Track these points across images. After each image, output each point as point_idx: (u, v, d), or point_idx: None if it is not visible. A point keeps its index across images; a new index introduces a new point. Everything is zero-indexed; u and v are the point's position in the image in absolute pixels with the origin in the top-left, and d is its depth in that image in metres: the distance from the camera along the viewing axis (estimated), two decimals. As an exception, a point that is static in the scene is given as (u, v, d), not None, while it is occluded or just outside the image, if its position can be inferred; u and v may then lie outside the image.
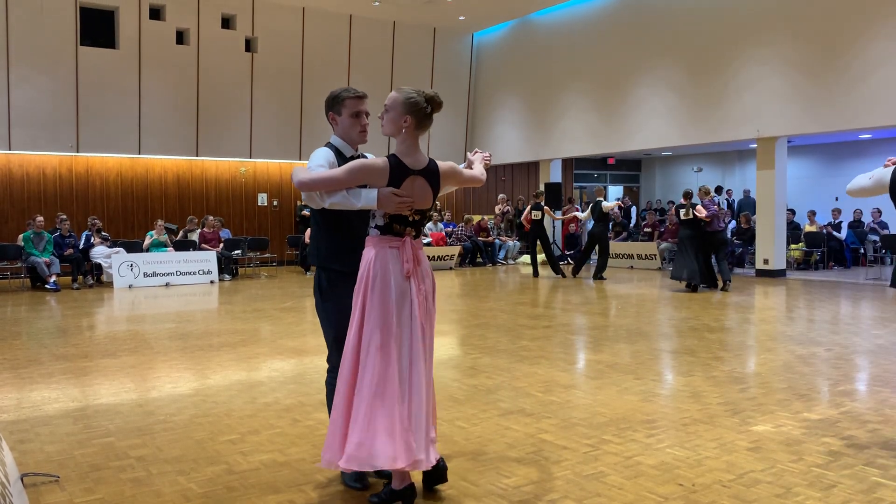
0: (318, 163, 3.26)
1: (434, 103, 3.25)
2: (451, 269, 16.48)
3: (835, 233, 16.10)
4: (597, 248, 14.12)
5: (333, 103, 3.46)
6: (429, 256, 16.12)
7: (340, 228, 3.42)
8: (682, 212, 11.87)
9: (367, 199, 3.15)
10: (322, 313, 3.52)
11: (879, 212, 16.18)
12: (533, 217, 14.52)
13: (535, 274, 14.55)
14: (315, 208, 3.33)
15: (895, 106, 11.95)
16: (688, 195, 11.95)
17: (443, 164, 3.36)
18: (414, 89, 3.28)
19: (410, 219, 3.26)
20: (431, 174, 3.29)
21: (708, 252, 11.91)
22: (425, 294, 3.27)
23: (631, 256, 16.70)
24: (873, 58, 12.20)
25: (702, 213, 11.61)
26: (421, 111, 3.22)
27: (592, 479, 3.58)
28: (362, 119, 3.48)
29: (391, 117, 3.26)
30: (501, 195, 19.55)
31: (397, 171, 3.19)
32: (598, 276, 13.82)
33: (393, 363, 3.13)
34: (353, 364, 3.17)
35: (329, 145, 3.46)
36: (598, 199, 14.06)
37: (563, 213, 18.05)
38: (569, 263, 17.56)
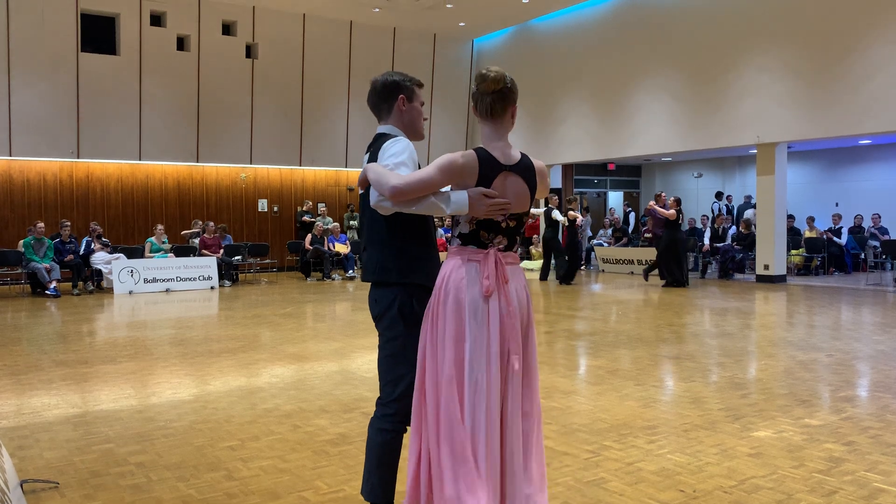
0: (401, 160, 2.74)
1: (477, 80, 2.81)
2: (451, 274, 16.44)
3: (835, 238, 16.10)
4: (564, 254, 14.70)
5: (402, 87, 2.97)
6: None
7: (421, 234, 2.86)
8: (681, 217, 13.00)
9: (458, 203, 2.65)
10: (404, 342, 2.83)
11: (879, 217, 16.18)
12: (554, 219, 14.60)
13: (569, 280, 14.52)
14: (384, 214, 2.78)
15: (894, 112, 11.97)
16: (679, 201, 13.54)
17: (538, 162, 2.87)
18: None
19: (504, 225, 2.74)
20: (527, 171, 2.78)
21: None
22: (512, 316, 2.68)
23: (631, 262, 16.70)
24: (873, 63, 12.22)
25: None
26: (474, 95, 2.83)
27: (593, 485, 3.57)
28: (423, 111, 3.08)
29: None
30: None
31: (487, 167, 2.69)
32: (564, 280, 14.24)
33: (463, 397, 2.64)
34: (421, 399, 2.72)
35: (385, 136, 2.95)
36: (549, 206, 14.74)
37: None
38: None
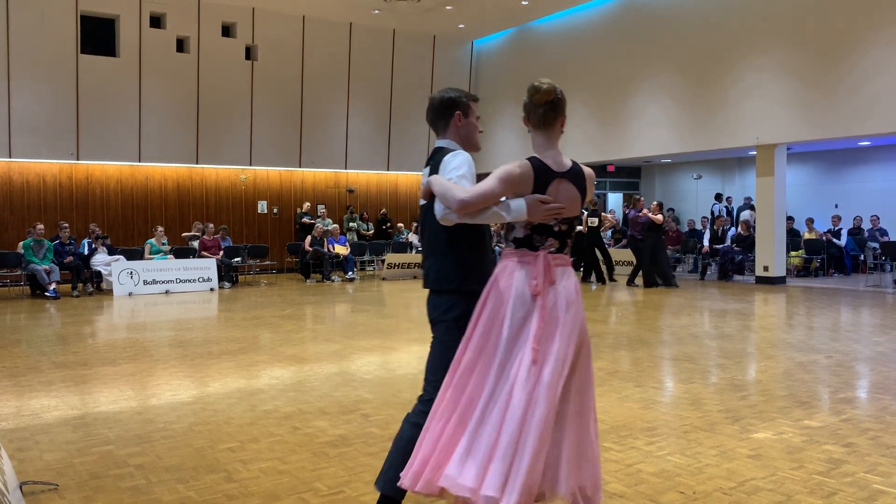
0: (462, 173, 2.87)
1: (530, 92, 2.92)
2: (450, 276, 16.45)
3: (835, 240, 16.09)
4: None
5: (458, 104, 3.10)
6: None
7: (479, 244, 3.02)
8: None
9: (517, 210, 2.79)
10: (455, 348, 2.89)
11: (878, 218, 16.18)
12: (589, 224, 14.68)
13: (603, 281, 14.86)
14: (447, 225, 2.90)
15: (894, 113, 11.98)
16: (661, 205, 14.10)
17: (587, 168, 3.03)
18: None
19: (556, 229, 2.88)
20: (578, 177, 2.94)
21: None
22: (558, 317, 2.78)
23: (631, 263, 16.68)
24: (872, 65, 12.22)
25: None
26: (526, 106, 2.95)
27: (593, 486, 3.56)
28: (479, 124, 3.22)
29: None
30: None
31: (541, 175, 2.85)
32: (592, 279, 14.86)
33: (485, 385, 2.74)
34: (448, 382, 2.81)
35: (444, 150, 3.06)
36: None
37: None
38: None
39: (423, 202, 3.04)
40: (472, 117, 3.14)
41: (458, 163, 2.92)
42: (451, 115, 3.11)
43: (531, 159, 2.87)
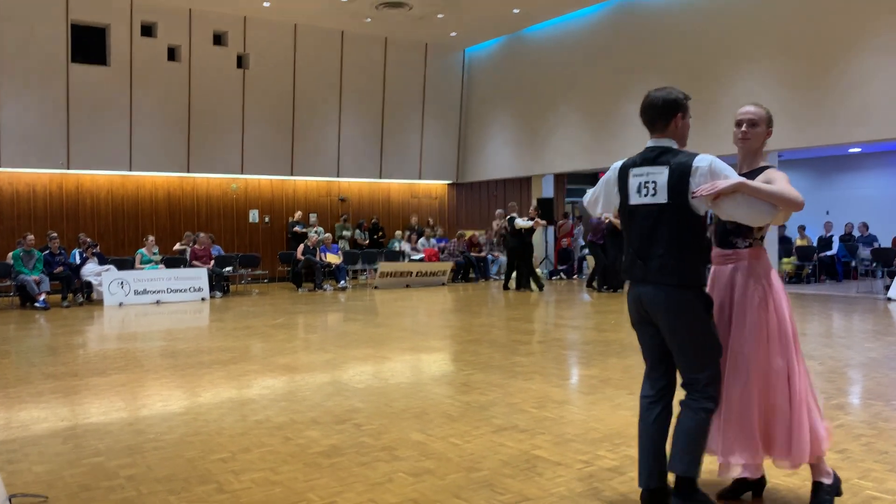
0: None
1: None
2: (443, 284, 16.46)
3: (829, 252, 16.14)
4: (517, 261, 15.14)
5: (681, 105, 3.28)
6: (422, 272, 16.29)
7: (705, 241, 3.29)
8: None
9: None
10: (713, 334, 3.26)
11: (866, 226, 16.27)
12: (524, 228, 14.75)
13: (521, 287, 14.82)
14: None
15: (884, 120, 12.06)
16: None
17: None
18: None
19: None
20: None
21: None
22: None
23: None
24: (862, 72, 12.31)
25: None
26: (771, 122, 3.64)
27: (587, 495, 3.55)
28: None
29: (761, 131, 3.66)
30: (499, 210, 19.57)
31: None
32: (520, 286, 14.76)
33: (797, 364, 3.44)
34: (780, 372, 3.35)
35: (673, 150, 3.26)
36: (511, 214, 15.09)
37: (559, 228, 18.25)
38: (561, 278, 17.60)
39: (661, 202, 3.15)
40: (687, 118, 3.30)
41: (728, 167, 3.14)
42: (674, 115, 3.24)
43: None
